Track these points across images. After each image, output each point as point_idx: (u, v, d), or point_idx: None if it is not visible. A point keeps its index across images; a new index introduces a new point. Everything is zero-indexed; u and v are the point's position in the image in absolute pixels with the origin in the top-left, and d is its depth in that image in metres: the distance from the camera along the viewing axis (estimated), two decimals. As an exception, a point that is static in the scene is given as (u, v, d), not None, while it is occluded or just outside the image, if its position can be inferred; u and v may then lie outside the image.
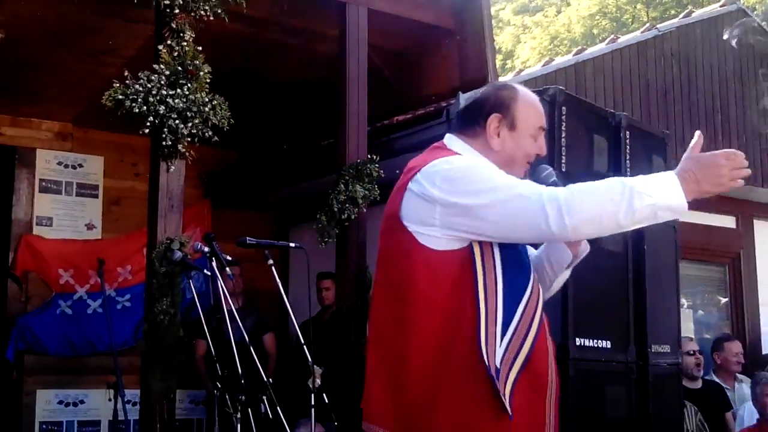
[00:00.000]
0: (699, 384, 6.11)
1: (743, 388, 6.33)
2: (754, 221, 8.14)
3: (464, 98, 2.88)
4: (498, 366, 2.28)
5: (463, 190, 2.32)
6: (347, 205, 5.55)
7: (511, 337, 2.32)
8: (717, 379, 6.44)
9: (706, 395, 6.07)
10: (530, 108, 2.57)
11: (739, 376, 6.55)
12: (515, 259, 2.44)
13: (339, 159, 5.85)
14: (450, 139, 2.59)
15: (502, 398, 2.25)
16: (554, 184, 2.63)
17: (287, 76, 7.18)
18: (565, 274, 2.79)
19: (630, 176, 4.44)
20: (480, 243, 2.36)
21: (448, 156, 2.46)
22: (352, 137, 5.83)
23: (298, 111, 7.65)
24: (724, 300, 8.15)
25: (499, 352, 2.29)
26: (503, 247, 2.39)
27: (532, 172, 2.66)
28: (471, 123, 2.56)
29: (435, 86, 6.78)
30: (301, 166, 7.37)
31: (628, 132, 4.60)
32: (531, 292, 2.42)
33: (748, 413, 5.74)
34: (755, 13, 23.78)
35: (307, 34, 6.57)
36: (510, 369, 2.30)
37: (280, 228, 8.64)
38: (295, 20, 6.34)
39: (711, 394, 6.13)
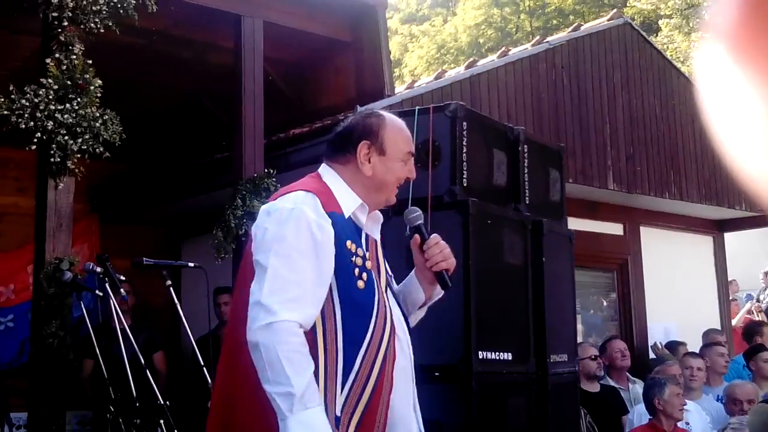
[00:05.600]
0: (597, 388, 6.28)
1: (637, 388, 6.54)
2: (641, 228, 8.38)
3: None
4: (339, 414, 2.29)
5: (264, 248, 2.37)
6: (245, 220, 5.45)
7: (351, 385, 2.34)
8: (611, 382, 6.63)
9: (604, 399, 6.25)
10: (398, 133, 2.64)
11: (632, 377, 6.75)
12: (354, 300, 2.42)
13: (235, 173, 5.75)
14: (324, 169, 2.63)
15: None
16: (419, 228, 2.67)
17: (181, 88, 7.03)
18: (419, 314, 2.80)
19: (528, 189, 4.60)
20: None
21: (286, 194, 2.48)
22: (248, 151, 5.73)
23: (192, 123, 7.49)
24: (612, 305, 8.37)
25: (340, 400, 2.31)
26: (342, 289, 2.40)
27: (403, 212, 2.73)
28: (342, 151, 2.61)
29: (332, 98, 6.75)
30: (193, 179, 7.20)
31: (526, 146, 4.66)
32: (372, 334, 2.42)
33: (638, 416, 5.90)
34: (635, 22, 24.62)
35: (200, 46, 6.45)
36: (351, 417, 2.33)
37: (171, 242, 8.39)
38: (188, 32, 6.21)
39: (608, 398, 6.31)
